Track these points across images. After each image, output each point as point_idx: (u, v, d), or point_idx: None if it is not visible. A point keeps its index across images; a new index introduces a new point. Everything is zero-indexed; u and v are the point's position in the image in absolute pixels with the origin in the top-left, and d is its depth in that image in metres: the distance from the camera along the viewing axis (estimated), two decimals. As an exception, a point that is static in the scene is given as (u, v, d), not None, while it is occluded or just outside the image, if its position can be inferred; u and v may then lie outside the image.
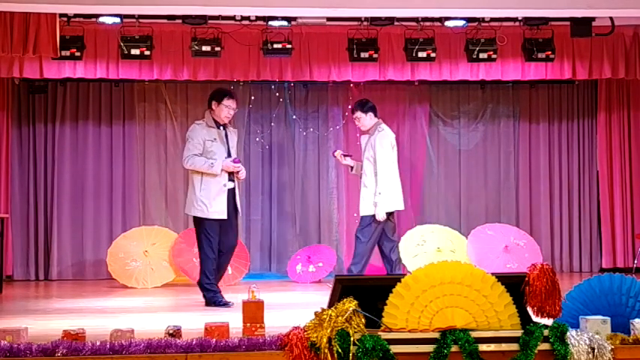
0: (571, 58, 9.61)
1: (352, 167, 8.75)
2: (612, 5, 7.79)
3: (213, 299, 7.45)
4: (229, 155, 7.63)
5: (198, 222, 7.55)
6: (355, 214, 10.42)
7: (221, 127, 7.67)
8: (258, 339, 4.43)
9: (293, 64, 9.55)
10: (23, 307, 7.67)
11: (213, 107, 7.63)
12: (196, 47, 8.91)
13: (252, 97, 10.53)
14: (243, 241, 9.85)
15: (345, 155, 8.76)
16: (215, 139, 7.58)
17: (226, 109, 7.63)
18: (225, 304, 7.38)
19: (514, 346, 4.19)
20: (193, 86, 10.37)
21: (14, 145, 10.15)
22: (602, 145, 10.64)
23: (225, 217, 7.51)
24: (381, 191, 8.27)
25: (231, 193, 7.59)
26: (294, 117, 10.58)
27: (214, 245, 7.53)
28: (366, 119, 8.45)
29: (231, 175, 7.60)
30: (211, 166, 7.47)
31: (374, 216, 8.26)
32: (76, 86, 10.27)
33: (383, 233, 8.37)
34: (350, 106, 10.41)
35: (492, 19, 9.13)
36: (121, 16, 8.75)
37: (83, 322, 6.20)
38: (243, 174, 7.68)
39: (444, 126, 10.83)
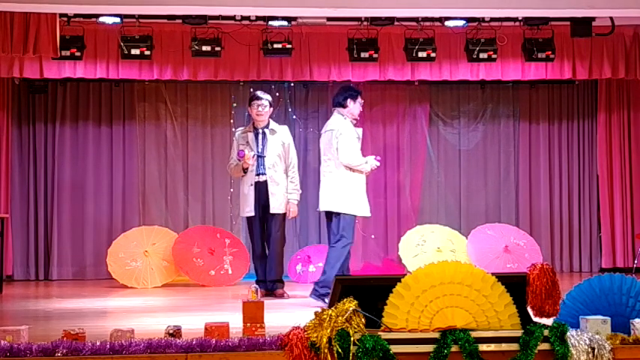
0: (571, 58, 9.61)
1: (246, 169, 8.09)
2: (612, 5, 7.80)
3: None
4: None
5: (344, 219, 7.29)
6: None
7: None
8: (258, 339, 4.43)
9: (293, 64, 9.54)
10: (23, 307, 7.66)
11: (349, 105, 7.44)
12: (196, 47, 8.91)
13: (253, 97, 10.52)
14: (243, 241, 9.84)
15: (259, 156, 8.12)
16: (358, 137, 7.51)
17: (360, 106, 7.56)
18: None
19: (514, 346, 4.19)
20: (193, 86, 10.37)
21: (14, 145, 10.14)
22: (602, 145, 10.63)
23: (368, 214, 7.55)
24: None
25: None
26: (294, 117, 10.57)
27: None
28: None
29: None
30: (366, 164, 7.42)
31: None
32: (76, 86, 10.27)
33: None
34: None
35: (492, 19, 9.13)
36: (121, 16, 8.75)
37: (83, 322, 6.21)
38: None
39: (444, 126, 10.83)
